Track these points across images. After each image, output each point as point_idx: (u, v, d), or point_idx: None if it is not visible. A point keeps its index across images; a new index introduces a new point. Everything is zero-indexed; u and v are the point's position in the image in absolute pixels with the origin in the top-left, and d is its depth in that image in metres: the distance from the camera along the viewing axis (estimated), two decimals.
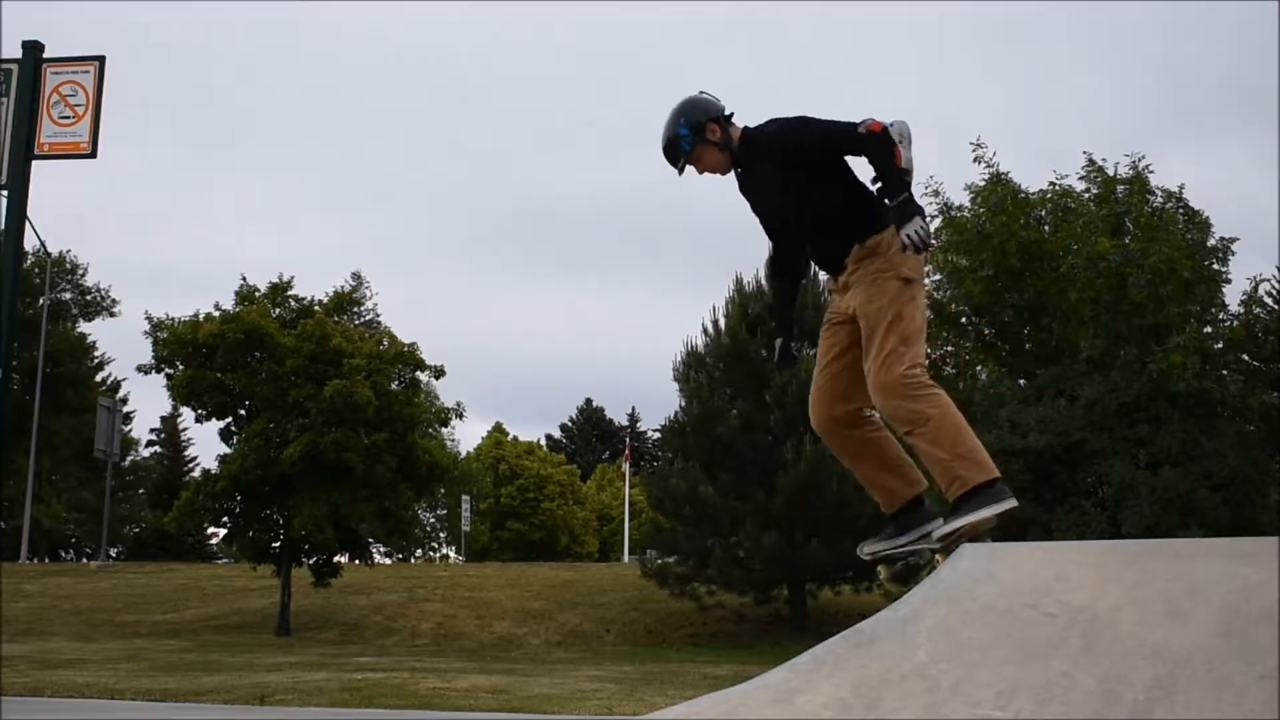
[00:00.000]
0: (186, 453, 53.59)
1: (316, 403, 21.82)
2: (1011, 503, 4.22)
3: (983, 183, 20.30)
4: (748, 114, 4.78)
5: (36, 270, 37.73)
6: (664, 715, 3.76)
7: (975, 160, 20.47)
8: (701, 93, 4.74)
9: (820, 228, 4.62)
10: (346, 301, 24.69)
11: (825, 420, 4.77)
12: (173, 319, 23.05)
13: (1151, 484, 16.84)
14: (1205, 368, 18.60)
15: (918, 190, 23.34)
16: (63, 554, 46.24)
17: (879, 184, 4.43)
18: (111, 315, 45.50)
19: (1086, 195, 20.23)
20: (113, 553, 42.72)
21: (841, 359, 4.68)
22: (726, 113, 4.68)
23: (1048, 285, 19.48)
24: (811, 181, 4.57)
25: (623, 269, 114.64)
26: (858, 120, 4.42)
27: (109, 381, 45.95)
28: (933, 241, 4.16)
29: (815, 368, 4.83)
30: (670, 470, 24.16)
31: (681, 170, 4.72)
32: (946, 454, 4.30)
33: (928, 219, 4.25)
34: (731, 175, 4.71)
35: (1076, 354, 18.97)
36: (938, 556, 4.45)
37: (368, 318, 26.14)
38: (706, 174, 4.75)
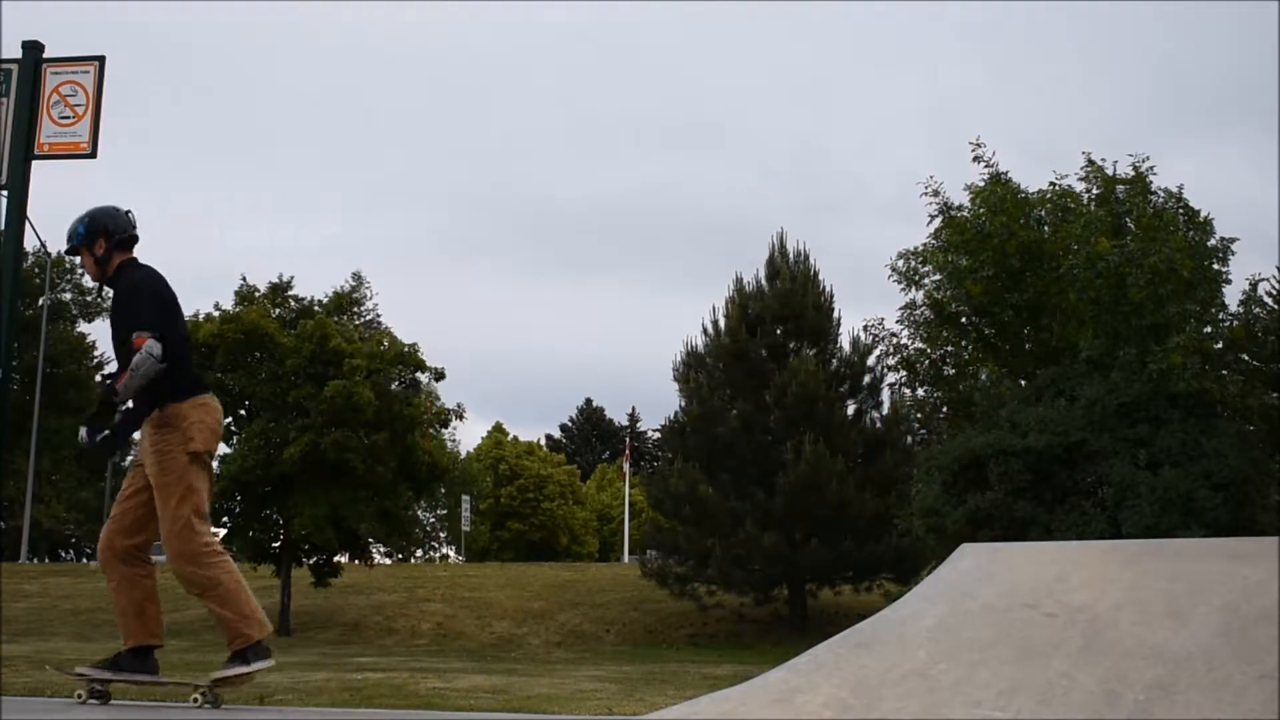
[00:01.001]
0: None
1: (316, 403, 21.81)
2: (271, 662, 5.11)
3: (982, 183, 20.29)
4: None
5: (36, 270, 37.73)
6: (664, 715, 3.75)
7: (975, 160, 20.48)
8: (126, 213, 5.35)
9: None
10: (346, 301, 24.68)
11: (107, 549, 5.22)
12: None
13: (1151, 484, 16.83)
14: (1205, 368, 18.59)
15: (917, 191, 22.54)
16: (63, 554, 46.23)
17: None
18: None
19: (1086, 196, 20.22)
20: None
21: (137, 497, 5.16)
22: (127, 237, 5.29)
23: (1047, 285, 19.47)
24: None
25: (623, 269, 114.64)
26: (146, 329, 4.97)
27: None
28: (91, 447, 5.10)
29: (117, 499, 5.31)
30: (670, 470, 24.18)
31: (69, 255, 5.61)
32: (234, 615, 4.98)
33: (107, 445, 5.00)
34: None
35: (1076, 354, 18.96)
36: (197, 696, 5.10)
37: (368, 318, 26.17)
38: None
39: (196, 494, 5.00)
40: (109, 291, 5.39)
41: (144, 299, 5.11)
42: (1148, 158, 19.89)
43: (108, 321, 5.55)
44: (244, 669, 5.02)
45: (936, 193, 20.67)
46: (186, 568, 4.99)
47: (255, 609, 5.07)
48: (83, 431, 5.04)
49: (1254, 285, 19.79)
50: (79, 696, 5.25)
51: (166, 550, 5.00)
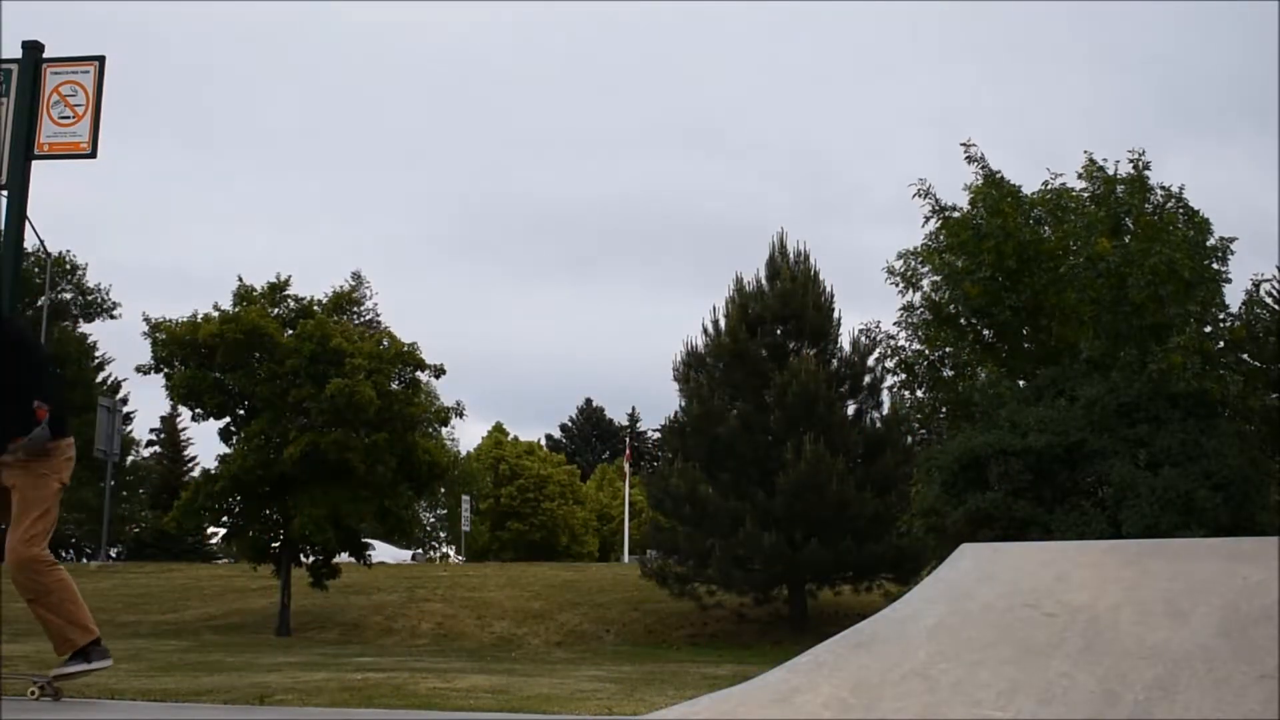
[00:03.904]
0: (186, 453, 53.64)
1: (317, 403, 21.80)
2: (108, 662, 6.07)
3: (978, 183, 20.28)
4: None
5: (36, 270, 37.72)
6: (664, 715, 3.75)
7: (967, 160, 20.48)
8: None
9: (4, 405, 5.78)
10: (346, 301, 24.65)
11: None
12: (169, 319, 23.05)
13: (1151, 484, 16.82)
14: (1205, 368, 18.59)
15: (909, 190, 22.60)
16: (63, 554, 46.23)
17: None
18: (112, 316, 45.53)
19: (1085, 195, 20.21)
20: (113, 553, 42.71)
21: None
22: None
23: (1046, 285, 19.46)
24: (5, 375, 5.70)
25: (623, 269, 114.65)
26: (45, 400, 5.76)
27: (109, 382, 45.96)
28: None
29: None
30: (670, 470, 24.14)
31: None
32: (62, 621, 5.93)
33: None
34: None
35: (1076, 354, 18.96)
36: (34, 689, 6.04)
37: (368, 318, 26.14)
38: None
39: (51, 515, 5.86)
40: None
41: (38, 361, 5.85)
42: (1144, 152, 19.85)
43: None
44: (75, 668, 5.82)
45: (928, 193, 20.65)
46: (22, 573, 5.72)
47: (82, 617, 5.88)
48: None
49: (1257, 286, 19.81)
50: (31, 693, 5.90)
51: (10, 557, 5.66)
